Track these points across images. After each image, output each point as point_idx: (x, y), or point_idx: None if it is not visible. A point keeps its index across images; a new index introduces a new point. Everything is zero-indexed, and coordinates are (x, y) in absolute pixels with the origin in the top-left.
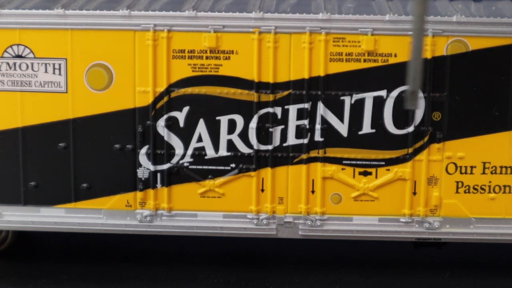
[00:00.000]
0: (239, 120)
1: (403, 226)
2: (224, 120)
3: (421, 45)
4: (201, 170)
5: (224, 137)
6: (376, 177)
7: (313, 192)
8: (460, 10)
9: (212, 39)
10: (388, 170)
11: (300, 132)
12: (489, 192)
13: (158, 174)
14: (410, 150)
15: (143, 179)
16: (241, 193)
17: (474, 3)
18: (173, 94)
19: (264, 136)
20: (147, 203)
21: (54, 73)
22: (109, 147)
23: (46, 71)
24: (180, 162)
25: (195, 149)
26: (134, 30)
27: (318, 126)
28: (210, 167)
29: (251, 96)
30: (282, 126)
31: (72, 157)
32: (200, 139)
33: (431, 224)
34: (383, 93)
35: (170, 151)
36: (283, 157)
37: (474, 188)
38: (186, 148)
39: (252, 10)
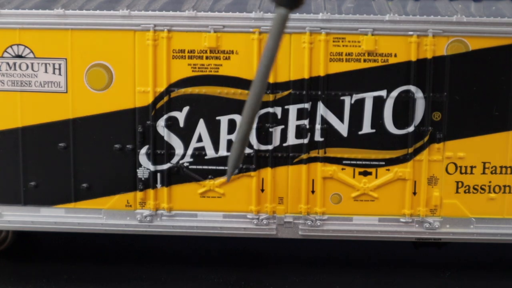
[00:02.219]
0: (239, 120)
1: (403, 226)
2: (224, 120)
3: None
4: (201, 170)
5: (224, 137)
6: (376, 177)
7: (313, 192)
8: (460, 10)
9: (212, 39)
10: (388, 170)
11: (300, 132)
12: (489, 192)
13: (158, 174)
14: (410, 150)
15: (143, 179)
16: (241, 193)
17: (474, 3)
18: (173, 94)
19: (264, 136)
20: (147, 203)
21: (54, 73)
22: (109, 147)
23: (46, 71)
24: (180, 162)
25: (195, 149)
26: (134, 30)
27: (318, 126)
28: (210, 167)
29: None
30: (282, 126)
31: (72, 157)
32: (200, 139)
33: (431, 224)
34: (383, 93)
35: (170, 151)
36: (283, 157)
37: (474, 188)
38: (186, 148)
39: (252, 10)
